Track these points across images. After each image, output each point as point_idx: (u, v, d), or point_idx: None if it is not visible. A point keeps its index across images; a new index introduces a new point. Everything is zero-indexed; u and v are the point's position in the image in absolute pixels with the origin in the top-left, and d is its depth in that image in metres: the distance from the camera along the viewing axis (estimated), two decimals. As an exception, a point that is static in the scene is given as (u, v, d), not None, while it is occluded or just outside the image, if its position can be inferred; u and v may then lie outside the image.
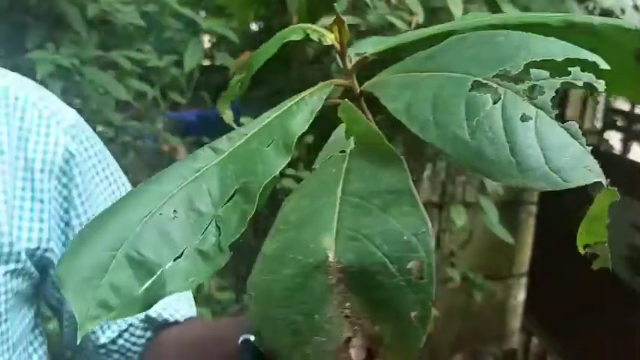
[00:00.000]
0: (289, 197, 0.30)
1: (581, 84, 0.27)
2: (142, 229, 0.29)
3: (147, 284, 0.28)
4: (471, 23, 0.33)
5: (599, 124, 1.80)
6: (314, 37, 0.34)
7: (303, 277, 0.27)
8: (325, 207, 0.28)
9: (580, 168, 0.25)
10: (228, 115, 0.38)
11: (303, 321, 0.26)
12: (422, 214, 0.27)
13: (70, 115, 0.54)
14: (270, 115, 0.33)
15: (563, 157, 0.25)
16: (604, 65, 0.27)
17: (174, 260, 0.29)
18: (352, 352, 0.26)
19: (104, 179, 0.55)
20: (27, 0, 1.36)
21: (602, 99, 2.05)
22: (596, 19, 0.31)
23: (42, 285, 0.54)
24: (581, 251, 0.29)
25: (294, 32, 0.34)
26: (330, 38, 0.34)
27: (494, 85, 0.28)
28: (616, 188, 0.27)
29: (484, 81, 0.28)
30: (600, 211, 0.28)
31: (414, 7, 1.33)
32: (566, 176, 0.25)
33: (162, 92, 1.61)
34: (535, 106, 0.27)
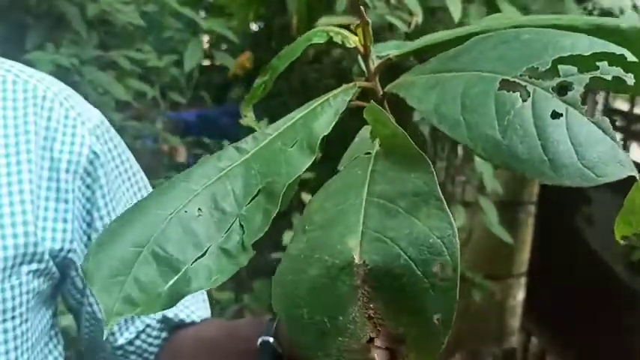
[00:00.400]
0: (313, 198, 0.30)
1: (610, 78, 0.26)
2: (167, 226, 0.29)
3: (171, 281, 0.28)
4: (495, 24, 0.32)
5: None
6: (337, 39, 0.34)
7: (329, 277, 0.26)
8: (351, 208, 0.28)
9: (613, 163, 0.25)
10: (250, 118, 0.38)
11: (328, 321, 0.26)
12: (448, 217, 0.26)
13: (95, 116, 0.54)
14: (294, 116, 0.33)
15: (596, 152, 0.25)
16: (632, 58, 0.26)
17: (199, 258, 0.29)
18: (375, 352, 0.26)
19: (126, 180, 0.55)
20: (27, 0, 1.37)
21: (601, 99, 2.01)
22: (624, 22, 0.30)
23: (61, 286, 0.54)
24: (619, 243, 0.29)
25: (317, 35, 0.35)
26: (353, 40, 0.34)
27: (523, 83, 0.27)
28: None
29: (512, 79, 0.27)
30: (633, 202, 0.27)
31: (413, 7, 1.32)
32: (599, 171, 0.25)
33: (161, 92, 1.62)
34: (565, 102, 0.26)
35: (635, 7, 1.70)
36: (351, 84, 0.34)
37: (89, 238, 0.52)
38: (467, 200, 1.76)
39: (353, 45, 0.34)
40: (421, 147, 0.28)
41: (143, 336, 0.55)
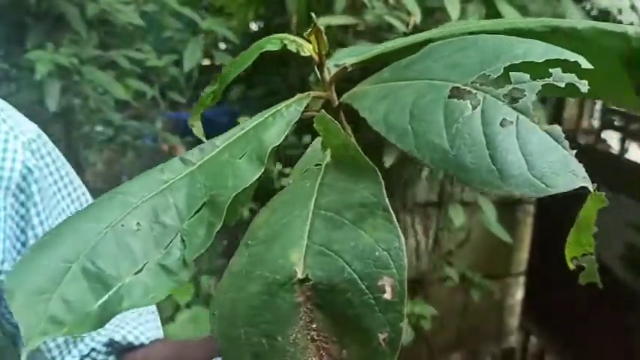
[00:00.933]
0: (260, 212, 0.29)
1: (563, 85, 0.25)
2: (100, 240, 0.27)
3: (103, 299, 0.26)
4: (450, 30, 0.32)
5: (596, 124, 1.78)
6: (292, 47, 0.33)
7: (269, 294, 0.25)
8: (296, 221, 0.27)
9: (565, 173, 0.24)
10: (197, 128, 0.37)
11: (266, 342, 0.24)
12: (395, 228, 0.25)
13: (31, 130, 0.52)
14: (244, 127, 0.32)
15: (547, 162, 0.24)
16: (586, 65, 0.25)
17: (134, 274, 0.27)
18: None
19: (67, 196, 0.52)
20: (27, 0, 1.36)
21: None
22: (581, 23, 0.30)
23: None
24: (570, 266, 0.27)
25: (270, 42, 0.33)
26: (307, 49, 0.33)
27: (474, 91, 0.26)
28: (604, 193, 0.25)
29: (463, 87, 0.27)
30: (588, 219, 0.26)
31: (411, 7, 1.34)
32: (550, 182, 0.24)
33: (161, 92, 1.61)
34: (516, 110, 0.25)
35: (633, 7, 1.74)
36: (305, 94, 0.33)
37: None
38: (466, 200, 1.76)
39: (307, 53, 0.33)
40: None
41: None
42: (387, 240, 0.24)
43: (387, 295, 0.24)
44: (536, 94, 0.25)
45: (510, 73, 0.26)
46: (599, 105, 1.83)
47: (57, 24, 1.39)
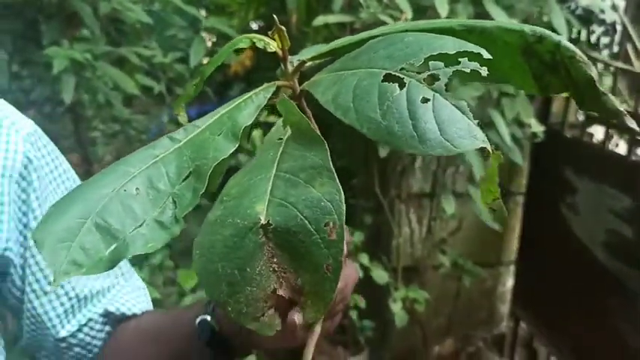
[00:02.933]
0: (233, 176, 0.36)
1: (468, 70, 0.32)
2: (108, 202, 0.34)
3: (112, 247, 0.33)
4: (388, 29, 0.39)
5: (582, 118, 1.84)
6: (260, 45, 0.40)
7: (240, 236, 0.32)
8: (261, 181, 0.33)
9: (469, 137, 0.30)
10: (182, 117, 0.43)
11: (237, 273, 0.31)
12: (337, 184, 0.32)
13: (29, 125, 0.57)
14: (220, 111, 0.39)
15: (455, 128, 0.30)
16: (487, 55, 0.32)
17: (136, 229, 0.34)
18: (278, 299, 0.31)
19: (60, 184, 0.58)
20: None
21: None
22: (489, 23, 0.36)
23: (1, 284, 0.55)
24: (484, 208, 0.34)
25: (242, 41, 0.40)
26: (273, 46, 0.40)
27: (401, 76, 0.33)
28: (500, 152, 0.31)
29: (394, 73, 0.33)
30: (493, 172, 0.32)
31: (403, 6, 1.41)
32: (457, 144, 0.30)
33: (167, 87, 1.67)
34: (433, 90, 0.32)
35: (614, 6, 1.79)
36: (271, 83, 0.40)
37: (25, 238, 0.54)
38: (457, 191, 1.82)
39: (273, 50, 0.40)
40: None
41: (86, 329, 0.58)
42: (331, 194, 0.31)
43: (330, 235, 0.31)
44: (449, 77, 0.32)
45: (429, 62, 0.33)
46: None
47: (70, 22, 1.46)
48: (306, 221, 0.31)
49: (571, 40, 1.92)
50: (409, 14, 1.43)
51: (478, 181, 1.74)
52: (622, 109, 0.35)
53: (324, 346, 1.92)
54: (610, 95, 0.36)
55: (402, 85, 0.32)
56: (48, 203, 0.55)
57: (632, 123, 0.36)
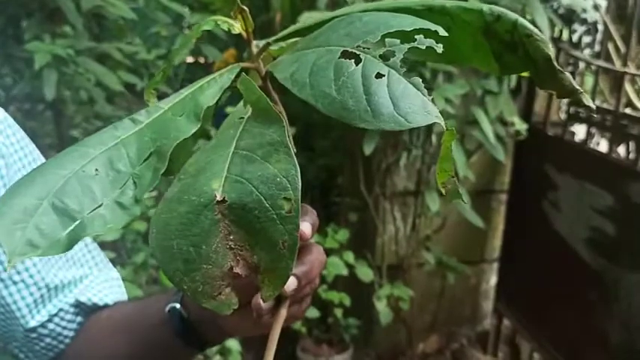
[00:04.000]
0: (193, 155, 0.36)
1: (424, 47, 0.32)
2: (65, 182, 0.34)
3: (69, 228, 0.33)
4: (350, 10, 0.39)
5: (564, 117, 1.86)
6: (224, 27, 0.40)
7: (195, 213, 0.31)
8: (219, 159, 0.33)
9: (422, 113, 0.30)
10: (153, 103, 0.43)
11: (193, 250, 0.31)
12: (293, 160, 0.32)
13: None
14: (184, 92, 0.38)
15: (408, 104, 0.30)
16: (443, 33, 0.32)
17: (95, 209, 0.34)
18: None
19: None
20: None
21: None
22: (449, 3, 0.37)
23: None
24: (441, 189, 0.34)
25: (207, 24, 0.40)
26: (237, 28, 0.40)
27: (358, 52, 0.33)
28: (454, 129, 0.32)
29: (351, 50, 0.33)
30: (447, 150, 0.32)
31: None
32: (410, 119, 0.30)
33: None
34: (388, 66, 0.32)
35: (596, 6, 1.82)
36: (236, 64, 0.40)
37: None
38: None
39: (237, 32, 0.40)
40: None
41: (56, 319, 0.57)
42: (287, 169, 0.31)
43: (286, 211, 0.30)
44: (403, 54, 0.32)
45: (386, 39, 0.33)
46: (566, 99, 1.91)
47: (52, 17, 1.44)
48: (262, 197, 0.31)
49: (553, 39, 1.93)
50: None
51: (461, 180, 1.76)
52: (578, 87, 0.36)
53: (308, 344, 1.91)
54: (567, 73, 0.36)
55: (357, 62, 0.32)
56: None
57: (588, 101, 0.36)
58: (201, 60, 2.11)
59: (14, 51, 1.39)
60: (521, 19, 0.35)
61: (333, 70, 0.33)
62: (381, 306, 1.73)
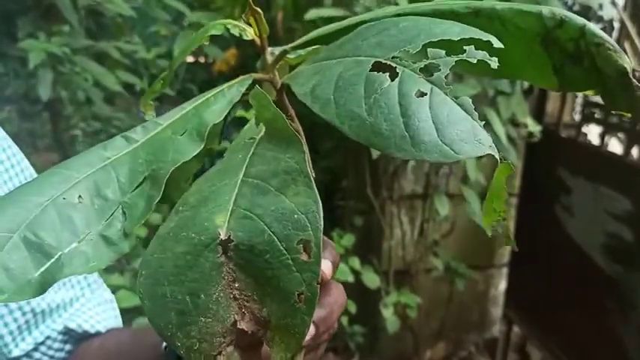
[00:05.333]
0: (194, 182, 0.30)
1: (475, 61, 0.27)
2: (42, 212, 0.28)
3: (43, 267, 0.28)
4: (382, 13, 0.33)
5: (578, 117, 1.80)
6: (235, 32, 0.34)
7: (194, 254, 0.26)
8: (225, 188, 0.28)
9: (472, 141, 0.25)
10: (150, 115, 0.38)
11: (190, 300, 0.26)
12: (314, 193, 0.26)
13: None
14: (186, 107, 0.33)
15: (456, 130, 0.25)
16: (498, 44, 0.27)
17: (75, 245, 0.28)
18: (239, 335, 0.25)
19: (17, 184, 0.53)
20: None
21: (580, 93, 2.04)
22: (500, 5, 0.31)
23: None
24: (488, 233, 0.29)
25: (215, 27, 0.35)
26: (250, 33, 0.34)
27: (394, 65, 0.27)
28: (510, 162, 0.26)
29: (384, 61, 0.28)
30: (499, 187, 0.27)
31: None
32: (458, 149, 0.25)
33: (150, 84, 1.62)
34: (430, 82, 0.26)
35: (613, 2, 1.76)
36: (247, 75, 0.34)
37: None
38: (451, 192, 1.79)
39: (250, 37, 0.34)
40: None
41: (43, 348, 0.52)
42: (306, 204, 0.26)
43: (304, 256, 0.25)
44: (450, 69, 0.27)
45: (428, 50, 0.27)
46: (580, 99, 1.85)
47: (48, 14, 1.39)
48: (275, 237, 0.25)
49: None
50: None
51: (471, 182, 1.70)
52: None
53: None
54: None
55: (393, 76, 0.27)
56: None
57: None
58: (202, 60, 2.06)
59: (8, 49, 1.34)
60: (589, 25, 0.29)
61: (364, 85, 0.27)
62: (388, 314, 1.68)
